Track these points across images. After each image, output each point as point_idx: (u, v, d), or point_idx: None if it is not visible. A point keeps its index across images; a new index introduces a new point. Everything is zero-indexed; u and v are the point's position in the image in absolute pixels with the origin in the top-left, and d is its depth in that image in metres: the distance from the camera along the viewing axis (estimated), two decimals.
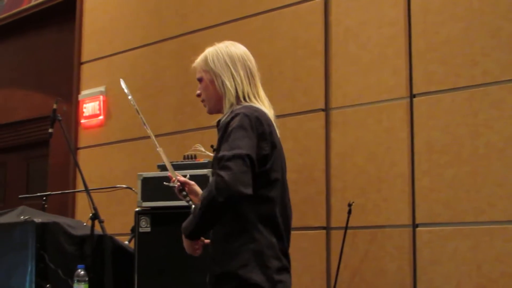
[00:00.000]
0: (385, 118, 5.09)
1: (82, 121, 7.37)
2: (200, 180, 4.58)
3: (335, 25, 5.48)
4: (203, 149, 4.63)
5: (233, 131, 2.95)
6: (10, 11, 8.57)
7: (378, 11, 5.24)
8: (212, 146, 3.23)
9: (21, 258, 4.69)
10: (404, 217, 4.92)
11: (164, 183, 3.46)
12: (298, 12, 5.71)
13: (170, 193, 4.63)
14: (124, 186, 5.71)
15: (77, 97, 7.45)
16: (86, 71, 7.49)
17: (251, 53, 3.37)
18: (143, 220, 4.73)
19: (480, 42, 4.70)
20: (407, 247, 4.88)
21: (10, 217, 5.09)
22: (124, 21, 7.18)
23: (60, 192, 6.30)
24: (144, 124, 3.62)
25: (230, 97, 3.15)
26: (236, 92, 3.16)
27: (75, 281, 4.27)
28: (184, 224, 3.04)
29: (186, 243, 3.12)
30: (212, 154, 4.65)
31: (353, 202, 4.93)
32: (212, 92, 3.22)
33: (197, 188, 3.43)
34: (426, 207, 4.82)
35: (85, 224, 4.99)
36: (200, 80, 3.27)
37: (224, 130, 3.00)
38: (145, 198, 4.74)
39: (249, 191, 2.85)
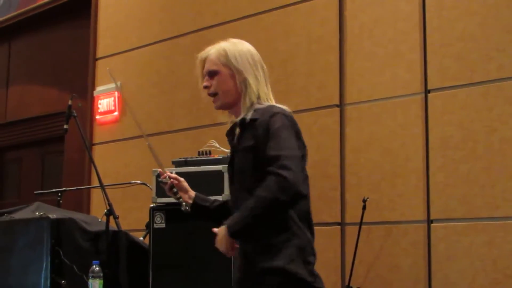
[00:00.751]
0: (400, 113, 5.08)
1: (97, 117, 7.39)
2: (215, 175, 4.60)
3: (350, 21, 5.47)
4: (217, 145, 4.65)
5: (279, 130, 2.96)
6: (25, 7, 8.60)
7: (393, 7, 5.23)
8: (233, 140, 3.18)
9: (36, 254, 4.72)
10: (418, 213, 4.91)
11: (158, 178, 3.43)
12: (313, 7, 5.70)
13: None
14: (139, 182, 5.72)
15: (92, 93, 7.48)
16: (101, 67, 7.51)
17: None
18: (158, 216, 4.74)
19: (495, 37, 4.68)
20: (422, 243, 4.87)
21: (25, 213, 5.12)
22: (139, 17, 7.19)
23: (75, 188, 6.32)
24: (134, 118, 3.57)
25: (252, 96, 3.13)
26: (258, 91, 3.15)
27: (90, 277, 4.29)
28: (230, 222, 3.00)
29: (225, 241, 3.04)
30: (227, 150, 4.67)
31: (367, 198, 4.92)
32: (231, 87, 3.18)
33: (186, 185, 3.41)
34: (441, 203, 4.81)
35: (100, 220, 5.01)
36: (214, 72, 3.22)
37: (266, 127, 3.00)
38: (160, 194, 4.74)
39: (306, 191, 2.96)
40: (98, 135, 7.40)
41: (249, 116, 3.10)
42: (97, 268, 4.31)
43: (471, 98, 4.75)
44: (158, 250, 4.72)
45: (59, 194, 5.73)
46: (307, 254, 3.01)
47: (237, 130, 3.17)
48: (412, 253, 4.92)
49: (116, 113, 7.21)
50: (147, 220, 4.89)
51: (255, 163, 3.01)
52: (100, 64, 7.52)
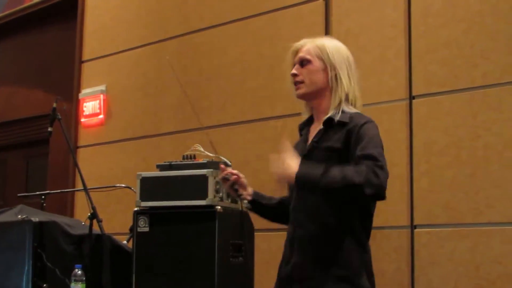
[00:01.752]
0: (385, 119, 5.08)
1: (82, 120, 7.37)
2: (199, 180, 4.59)
3: (336, 26, 5.49)
4: (202, 149, 4.64)
5: (375, 137, 3.04)
6: (12, 8, 8.58)
7: (379, 13, 5.24)
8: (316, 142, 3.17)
9: (18, 258, 4.69)
10: (402, 218, 4.92)
11: (217, 179, 3.43)
12: (300, 12, 5.71)
13: (169, 193, 4.67)
14: (123, 185, 5.71)
15: (77, 96, 7.46)
16: (87, 69, 7.50)
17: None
18: (142, 219, 4.72)
19: (480, 44, 4.70)
20: (405, 248, 4.88)
21: (7, 216, 5.08)
22: (126, 20, 7.18)
23: (59, 191, 6.30)
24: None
25: (342, 93, 3.14)
26: (349, 92, 3.15)
27: (73, 281, 4.27)
28: (304, 171, 2.97)
29: (284, 172, 3.03)
30: (212, 155, 4.68)
31: None
32: (320, 79, 3.18)
33: (245, 181, 3.42)
34: (424, 209, 4.82)
35: (83, 223, 4.99)
36: (306, 61, 3.21)
37: (358, 134, 3.04)
38: (144, 197, 4.74)
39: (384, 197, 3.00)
40: (83, 138, 7.38)
41: (337, 117, 3.10)
42: (79, 272, 4.29)
43: (455, 105, 4.76)
44: (141, 254, 4.70)
45: (43, 197, 5.71)
46: (369, 267, 3.12)
47: (318, 127, 3.17)
48: (396, 258, 4.92)
49: (101, 116, 7.19)
50: (131, 223, 4.88)
51: (339, 164, 3.00)
52: (86, 66, 7.51)
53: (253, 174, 5.43)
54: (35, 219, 4.77)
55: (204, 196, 4.52)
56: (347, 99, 3.14)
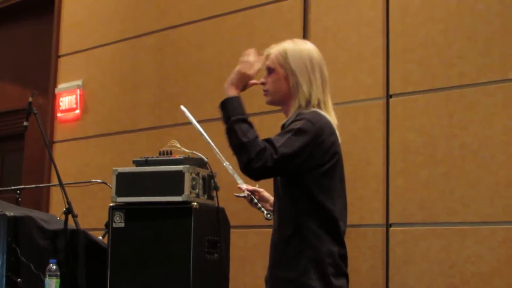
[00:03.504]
0: (361, 118, 5.10)
1: (58, 114, 7.33)
2: (175, 176, 4.59)
3: (314, 24, 5.49)
4: (178, 145, 4.64)
5: (292, 131, 3.04)
6: None
7: (357, 11, 5.26)
8: None
9: None
10: (378, 217, 4.94)
11: (235, 194, 3.49)
12: (278, 10, 5.71)
13: (145, 189, 4.66)
14: (99, 181, 5.68)
15: (53, 91, 7.42)
16: (63, 64, 7.45)
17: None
18: (117, 215, 4.70)
19: (457, 44, 4.73)
20: (380, 247, 4.90)
21: None
22: (103, 15, 7.15)
23: (34, 186, 6.27)
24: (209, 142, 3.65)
25: (302, 100, 3.17)
26: (310, 96, 3.17)
27: (47, 276, 4.25)
28: (233, 103, 3.19)
29: (227, 86, 3.30)
30: (188, 151, 4.67)
31: None
32: (283, 87, 3.23)
33: (266, 194, 3.47)
34: (400, 207, 4.85)
35: (58, 218, 4.97)
36: (271, 70, 3.26)
37: (288, 125, 3.13)
38: (119, 193, 4.72)
39: (265, 177, 3.05)
40: (59, 133, 7.34)
41: (289, 121, 3.17)
42: (54, 267, 4.27)
43: (432, 104, 4.79)
44: (116, 250, 4.69)
45: (18, 191, 5.68)
46: (324, 266, 3.05)
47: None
48: (371, 256, 4.94)
49: (77, 111, 7.16)
50: (107, 219, 4.86)
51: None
52: (62, 61, 7.46)
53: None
54: (10, 213, 4.74)
55: (180, 192, 4.51)
56: (309, 102, 3.17)
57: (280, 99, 3.26)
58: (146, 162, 4.77)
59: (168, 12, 6.54)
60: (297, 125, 3.06)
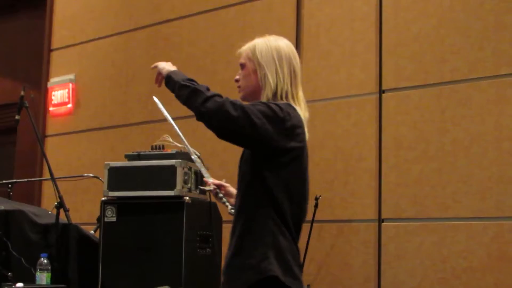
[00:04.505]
0: (354, 113, 5.10)
1: (51, 108, 7.31)
2: (167, 170, 4.58)
3: (307, 19, 5.49)
4: (171, 140, 4.63)
5: (252, 104, 3.04)
6: None
7: (350, 6, 5.25)
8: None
9: None
10: (370, 212, 4.94)
11: (200, 187, 3.50)
12: (271, 5, 5.71)
13: (137, 183, 4.65)
14: (91, 175, 5.67)
15: (46, 85, 7.40)
16: (56, 58, 7.43)
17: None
18: (109, 209, 4.70)
19: (450, 39, 4.73)
20: (372, 242, 4.91)
21: None
22: (96, 9, 7.13)
23: (26, 180, 6.25)
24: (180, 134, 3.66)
25: (269, 92, 3.18)
26: (276, 88, 3.19)
27: (38, 270, 4.25)
28: (177, 75, 3.22)
29: (164, 70, 3.31)
30: (180, 145, 4.66)
31: (320, 196, 4.93)
32: (252, 81, 3.25)
33: (232, 189, 3.48)
34: (392, 202, 4.85)
35: (50, 212, 4.96)
36: (242, 66, 3.29)
37: None
38: (111, 187, 4.71)
39: (227, 126, 2.99)
40: (51, 127, 7.32)
41: None
42: (45, 261, 4.26)
43: (424, 99, 4.79)
44: (108, 244, 4.68)
45: (10, 185, 5.67)
46: (284, 253, 3.05)
47: None
48: (363, 251, 4.95)
49: (69, 105, 7.14)
50: (99, 213, 4.85)
51: (254, 156, 3.08)
52: (55, 55, 7.44)
53: (221, 166, 5.44)
54: (1, 207, 4.74)
55: (172, 186, 4.51)
56: (276, 94, 3.20)
57: (251, 92, 3.29)
58: (138, 157, 4.76)
59: (160, 7, 6.53)
60: (254, 104, 3.10)
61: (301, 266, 3.21)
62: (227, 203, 3.38)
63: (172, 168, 4.53)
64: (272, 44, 3.29)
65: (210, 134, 5.39)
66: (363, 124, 5.04)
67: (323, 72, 5.32)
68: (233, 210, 3.32)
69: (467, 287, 4.47)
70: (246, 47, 3.34)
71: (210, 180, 3.50)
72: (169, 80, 3.23)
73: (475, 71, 4.60)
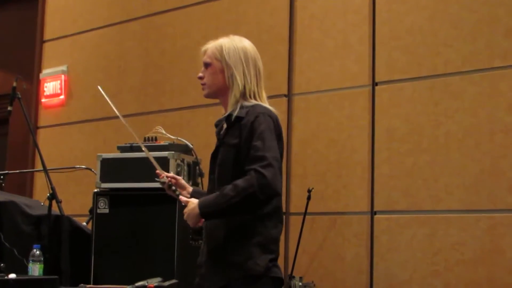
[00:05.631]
0: (347, 105, 5.10)
1: (43, 100, 7.29)
2: (160, 162, 4.57)
3: (300, 11, 5.48)
4: (163, 132, 4.63)
5: (264, 132, 3.13)
6: None
7: None
8: (220, 136, 3.29)
9: None
10: (363, 204, 4.95)
11: (155, 179, 3.51)
12: None
13: (129, 175, 4.65)
14: (83, 166, 5.66)
15: (38, 76, 7.37)
16: (48, 49, 7.41)
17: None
18: (102, 201, 4.69)
19: (443, 32, 4.73)
20: (365, 234, 4.92)
21: None
22: (88, 0, 7.10)
23: (18, 171, 6.24)
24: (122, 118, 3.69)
25: (236, 92, 3.29)
26: (244, 88, 3.29)
27: (30, 261, 4.24)
28: (205, 202, 3.16)
29: (193, 216, 3.20)
30: (173, 137, 4.66)
31: (312, 188, 4.94)
32: (219, 80, 3.34)
33: (183, 182, 3.53)
34: (384, 195, 4.86)
35: (42, 204, 4.94)
36: (207, 64, 3.38)
37: (250, 128, 3.15)
38: (104, 179, 4.71)
39: (281, 191, 3.12)
40: (44, 118, 7.30)
41: (235, 113, 3.24)
42: (37, 252, 4.25)
43: (417, 92, 4.79)
44: (100, 235, 4.68)
45: (2, 177, 5.64)
46: (267, 250, 3.17)
47: (224, 125, 3.33)
48: (355, 244, 4.95)
49: (62, 97, 7.12)
50: (91, 205, 4.85)
51: (236, 160, 3.18)
52: (47, 46, 7.42)
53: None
54: None
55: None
56: (244, 94, 3.25)
57: (217, 91, 3.38)
58: (131, 148, 4.75)
59: None
60: (261, 125, 3.14)
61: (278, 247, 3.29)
62: (181, 196, 3.40)
63: (165, 160, 4.53)
64: (239, 45, 3.39)
65: (203, 126, 5.44)
66: (356, 116, 5.05)
67: (316, 64, 5.32)
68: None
69: (460, 279, 4.49)
70: (212, 46, 3.43)
71: (163, 172, 3.55)
72: (207, 216, 3.20)
73: (468, 63, 4.61)
